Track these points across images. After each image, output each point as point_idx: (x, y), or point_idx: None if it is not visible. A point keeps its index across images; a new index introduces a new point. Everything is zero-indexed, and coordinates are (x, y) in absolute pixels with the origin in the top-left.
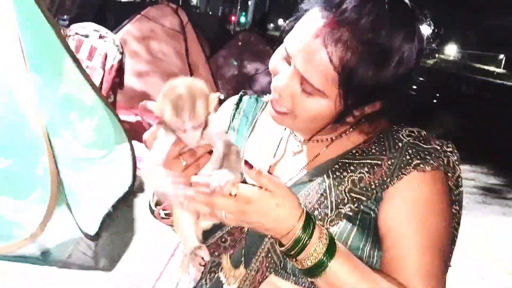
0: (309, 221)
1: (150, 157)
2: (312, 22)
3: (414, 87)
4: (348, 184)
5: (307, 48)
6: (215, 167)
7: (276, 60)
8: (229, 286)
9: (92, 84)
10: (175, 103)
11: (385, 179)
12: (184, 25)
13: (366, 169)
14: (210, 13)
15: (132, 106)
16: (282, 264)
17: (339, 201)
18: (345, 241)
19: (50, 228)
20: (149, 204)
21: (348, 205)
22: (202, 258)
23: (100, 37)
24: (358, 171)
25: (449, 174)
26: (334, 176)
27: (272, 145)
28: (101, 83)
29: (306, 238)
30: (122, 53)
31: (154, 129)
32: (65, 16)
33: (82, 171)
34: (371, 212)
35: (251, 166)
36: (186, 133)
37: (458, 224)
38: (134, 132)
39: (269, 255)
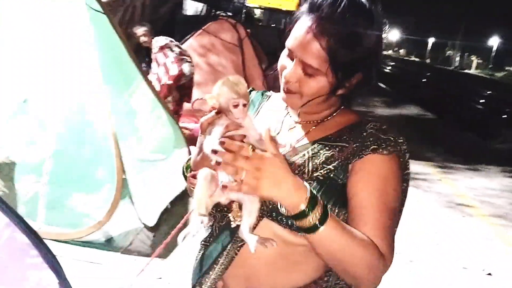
0: (312, 202)
1: (209, 138)
2: (303, 23)
3: (481, 100)
4: (322, 158)
5: (303, 41)
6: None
7: (282, 60)
8: (234, 223)
9: (156, 94)
10: (231, 84)
11: (350, 157)
12: (241, 39)
13: (337, 149)
14: (273, 25)
15: (191, 115)
16: (270, 212)
17: (313, 169)
18: None
19: (115, 219)
20: (183, 170)
21: (319, 171)
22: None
23: (161, 48)
24: (331, 150)
25: (401, 159)
26: (313, 152)
27: (271, 123)
28: (162, 90)
29: (309, 213)
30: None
31: (210, 115)
32: None
33: (144, 171)
34: (339, 180)
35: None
36: (238, 108)
37: (405, 196)
38: (193, 137)
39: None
